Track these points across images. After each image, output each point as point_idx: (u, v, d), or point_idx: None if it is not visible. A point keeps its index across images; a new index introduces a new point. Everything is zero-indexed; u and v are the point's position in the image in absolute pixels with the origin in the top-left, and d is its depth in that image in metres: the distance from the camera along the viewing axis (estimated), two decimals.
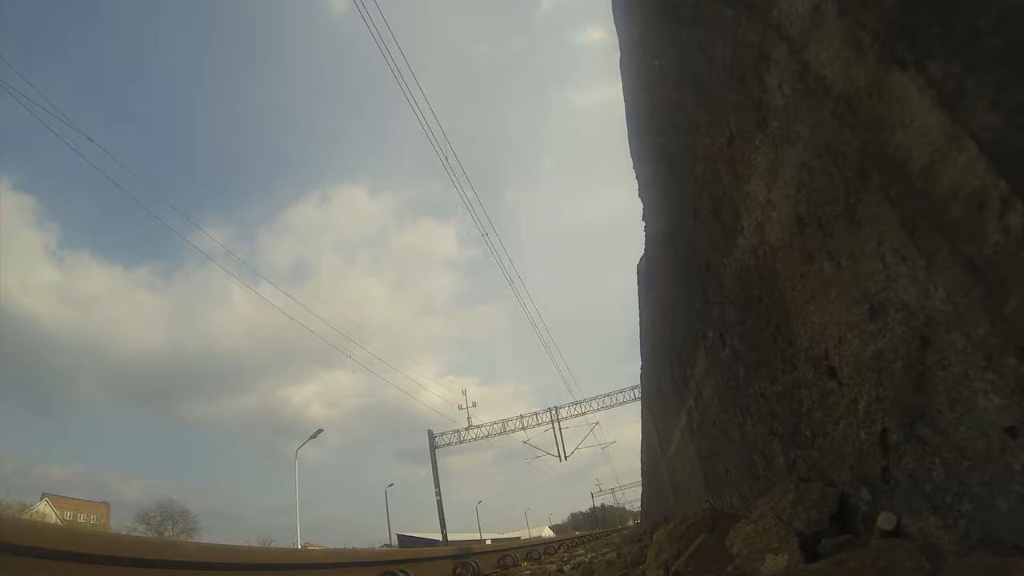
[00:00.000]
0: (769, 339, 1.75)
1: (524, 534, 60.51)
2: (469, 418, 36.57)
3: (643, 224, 3.89)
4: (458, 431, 36.71)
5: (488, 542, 27.23)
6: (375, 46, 14.57)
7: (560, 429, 35.61)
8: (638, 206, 3.85)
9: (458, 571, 8.10)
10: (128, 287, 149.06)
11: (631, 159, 3.67)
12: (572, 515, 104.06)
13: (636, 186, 3.74)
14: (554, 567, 8.13)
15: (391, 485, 48.80)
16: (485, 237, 24.49)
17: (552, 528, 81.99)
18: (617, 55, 3.11)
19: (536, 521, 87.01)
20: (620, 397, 34.19)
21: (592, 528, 59.98)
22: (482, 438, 36.99)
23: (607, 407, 35.10)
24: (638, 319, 6.14)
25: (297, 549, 17.46)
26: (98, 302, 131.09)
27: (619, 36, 2.97)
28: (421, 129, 18.81)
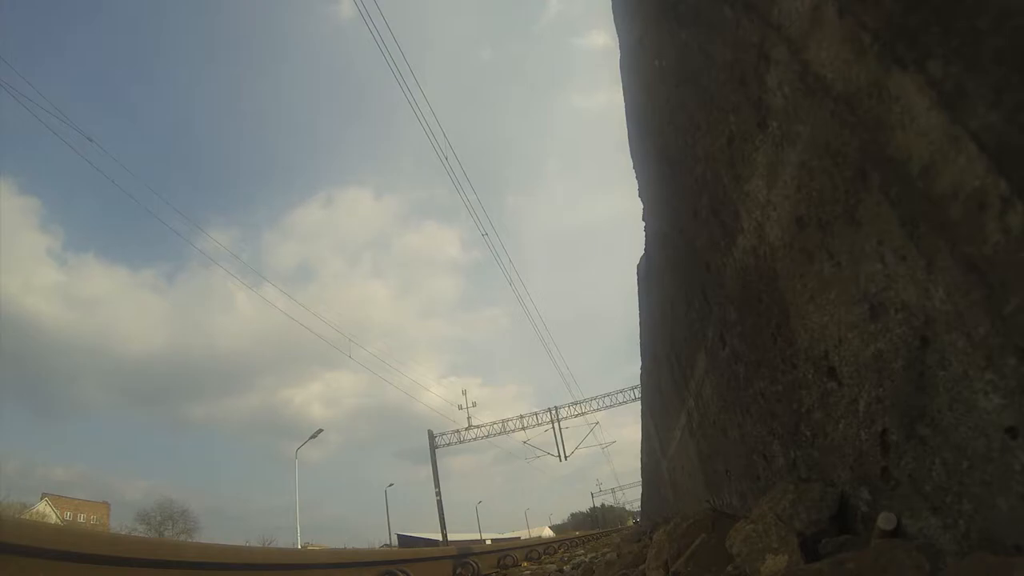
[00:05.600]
0: (769, 339, 1.75)
1: (524, 534, 60.48)
2: (469, 418, 36.58)
3: (643, 224, 3.89)
4: (458, 431, 36.71)
5: (488, 542, 27.21)
6: (381, 50, 14.65)
7: (560, 429, 35.62)
8: (638, 206, 3.85)
9: (458, 571, 8.10)
10: (132, 289, 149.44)
11: (631, 159, 3.67)
12: (572, 515, 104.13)
13: (636, 186, 3.74)
14: (554, 567, 8.13)
15: (391, 485, 48.88)
16: (485, 237, 24.56)
17: (552, 528, 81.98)
18: (617, 56, 3.11)
19: (536, 521, 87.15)
20: (620, 397, 34.19)
21: (592, 528, 59.95)
22: (482, 438, 36.97)
23: (607, 407, 35.11)
24: (638, 319, 6.13)
25: (297, 549, 17.45)
26: (102, 304, 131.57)
27: (619, 37, 2.96)
28: (426, 133, 18.86)
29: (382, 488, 48.32)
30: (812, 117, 1.17)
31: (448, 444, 36.93)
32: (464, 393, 37.65)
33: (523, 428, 36.33)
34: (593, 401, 35.52)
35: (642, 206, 3.78)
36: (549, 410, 35.80)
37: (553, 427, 35.63)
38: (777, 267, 1.55)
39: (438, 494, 34.35)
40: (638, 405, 13.60)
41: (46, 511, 38.04)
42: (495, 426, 36.81)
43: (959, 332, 0.88)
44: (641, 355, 7.09)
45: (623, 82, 3.19)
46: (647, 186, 3.45)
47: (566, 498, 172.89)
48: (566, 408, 35.72)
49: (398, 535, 44.89)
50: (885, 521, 1.16)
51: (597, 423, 37.77)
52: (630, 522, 55.75)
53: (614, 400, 34.59)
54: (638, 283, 5.35)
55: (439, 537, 32.79)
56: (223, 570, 4.04)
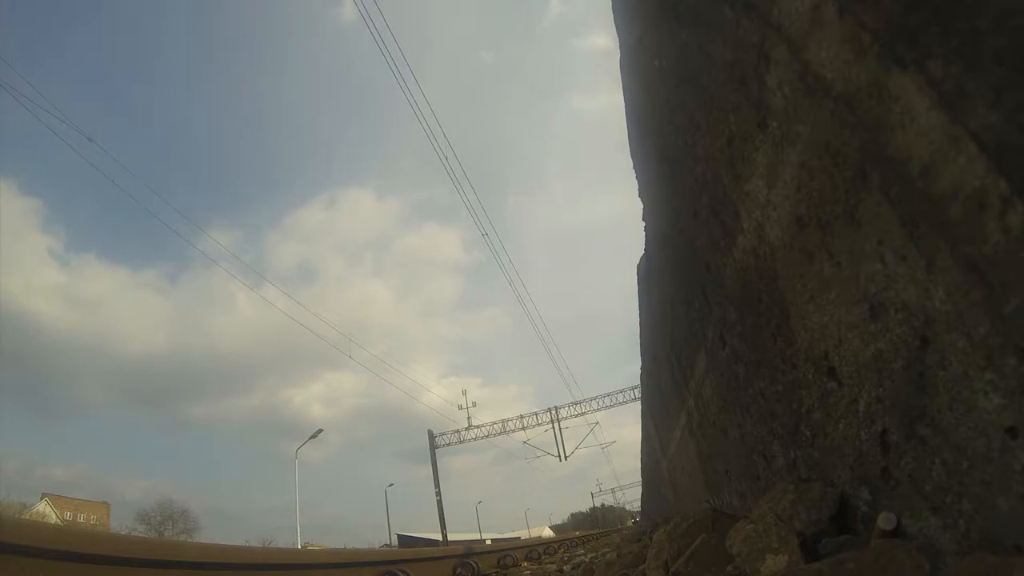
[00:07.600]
0: (769, 339, 1.75)
1: (524, 534, 60.49)
2: (469, 418, 36.60)
3: (643, 224, 3.90)
4: (458, 431, 36.72)
5: (488, 542, 27.23)
6: (381, 51, 14.73)
7: (560, 429, 35.64)
8: (638, 206, 3.86)
9: (458, 571, 8.10)
10: (133, 289, 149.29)
11: (631, 159, 3.67)
12: (572, 515, 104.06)
13: (636, 186, 3.75)
14: (554, 567, 8.12)
15: (391, 485, 48.87)
16: (485, 237, 24.60)
17: (552, 528, 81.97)
18: (618, 56, 3.11)
19: (536, 521, 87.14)
20: (620, 397, 34.20)
21: (592, 528, 59.94)
22: (482, 438, 37.00)
23: (607, 407, 35.13)
24: (638, 319, 6.13)
25: (297, 549, 17.45)
26: (103, 304, 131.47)
27: (619, 37, 2.96)
28: (426, 133, 18.94)
29: (382, 488, 48.37)
30: (812, 117, 1.17)
31: (448, 444, 36.96)
32: (464, 393, 37.69)
33: (523, 428, 36.36)
34: (593, 401, 35.56)
35: (642, 206, 3.78)
36: (549, 410, 35.83)
37: (553, 427, 35.66)
38: (777, 267, 1.55)
39: (438, 494, 34.37)
40: (638, 405, 13.60)
41: (46, 511, 38.05)
42: (495, 426, 36.84)
43: (959, 332, 0.88)
44: (641, 355, 7.10)
45: (623, 82, 3.19)
46: (647, 186, 3.45)
47: (566, 498, 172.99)
48: (566, 408, 35.77)
49: (398, 535, 44.93)
50: (885, 521, 1.16)
51: (597, 423, 37.83)
52: (630, 522, 55.74)
53: (614, 400, 34.63)
54: (638, 283, 5.35)
55: (439, 537, 32.80)
56: (223, 570, 4.04)
